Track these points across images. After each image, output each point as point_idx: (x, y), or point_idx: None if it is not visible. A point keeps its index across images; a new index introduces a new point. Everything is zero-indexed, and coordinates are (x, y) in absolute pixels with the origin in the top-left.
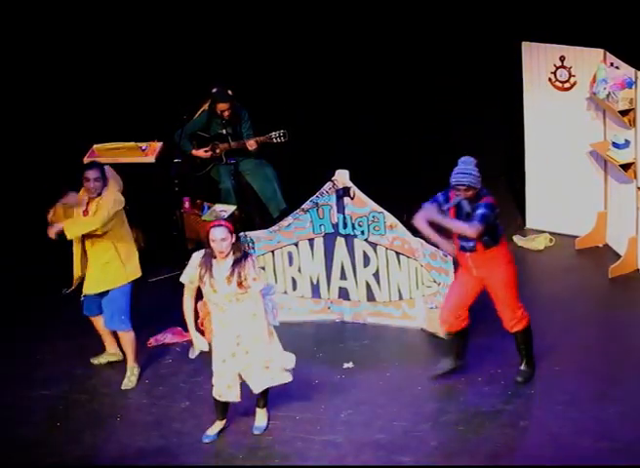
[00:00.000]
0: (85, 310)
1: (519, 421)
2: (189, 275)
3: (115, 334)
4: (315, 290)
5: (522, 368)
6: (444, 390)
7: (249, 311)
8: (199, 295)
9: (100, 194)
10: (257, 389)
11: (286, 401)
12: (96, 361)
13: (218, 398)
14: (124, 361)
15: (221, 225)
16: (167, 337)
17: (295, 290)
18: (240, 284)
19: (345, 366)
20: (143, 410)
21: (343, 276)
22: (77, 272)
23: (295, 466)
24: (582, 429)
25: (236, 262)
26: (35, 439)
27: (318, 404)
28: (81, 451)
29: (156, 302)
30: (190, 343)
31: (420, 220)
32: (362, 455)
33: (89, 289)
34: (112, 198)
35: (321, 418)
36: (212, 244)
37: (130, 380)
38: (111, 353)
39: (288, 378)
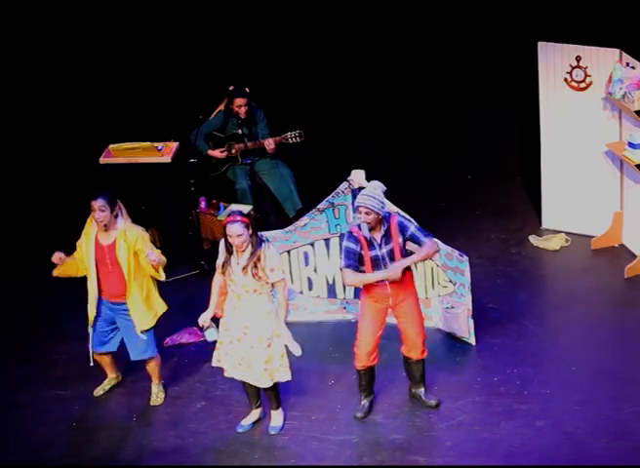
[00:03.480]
0: (100, 345)
1: (535, 421)
2: (219, 262)
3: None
4: (331, 289)
5: (425, 393)
6: (459, 390)
7: (264, 307)
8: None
9: (106, 225)
10: (258, 384)
11: (302, 401)
12: (101, 391)
13: (216, 364)
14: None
15: (237, 221)
16: (183, 337)
17: (311, 290)
18: (256, 275)
19: None
20: (159, 411)
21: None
22: (93, 312)
23: (311, 466)
24: (599, 429)
25: (253, 254)
26: (51, 439)
27: (334, 403)
28: (97, 452)
29: (172, 302)
30: (205, 342)
31: (357, 279)
32: (378, 455)
33: (145, 325)
34: (143, 237)
35: (337, 418)
36: (229, 239)
37: (159, 397)
38: (113, 377)
39: (287, 377)
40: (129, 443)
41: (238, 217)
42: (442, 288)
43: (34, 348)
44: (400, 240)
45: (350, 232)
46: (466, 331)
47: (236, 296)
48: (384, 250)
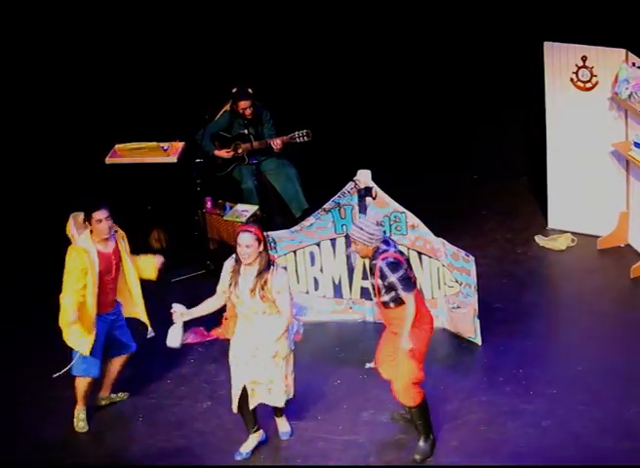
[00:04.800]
0: (94, 369)
1: (541, 421)
2: (221, 285)
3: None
4: (337, 290)
5: (420, 443)
6: (465, 390)
7: (274, 329)
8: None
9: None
10: (275, 403)
11: (308, 401)
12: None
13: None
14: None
15: (250, 231)
16: (189, 338)
17: (317, 290)
18: (264, 296)
19: (367, 366)
20: (165, 411)
21: (365, 276)
22: (93, 333)
23: (316, 466)
24: (605, 429)
25: (260, 274)
26: (57, 439)
27: (340, 404)
28: (103, 451)
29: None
30: (211, 342)
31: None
32: (384, 455)
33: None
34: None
35: (343, 418)
36: (237, 248)
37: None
38: (120, 395)
39: (281, 402)
40: (135, 442)
41: (252, 229)
42: (448, 288)
43: (39, 348)
44: (379, 282)
45: (399, 261)
46: (472, 330)
47: (246, 318)
48: (371, 281)
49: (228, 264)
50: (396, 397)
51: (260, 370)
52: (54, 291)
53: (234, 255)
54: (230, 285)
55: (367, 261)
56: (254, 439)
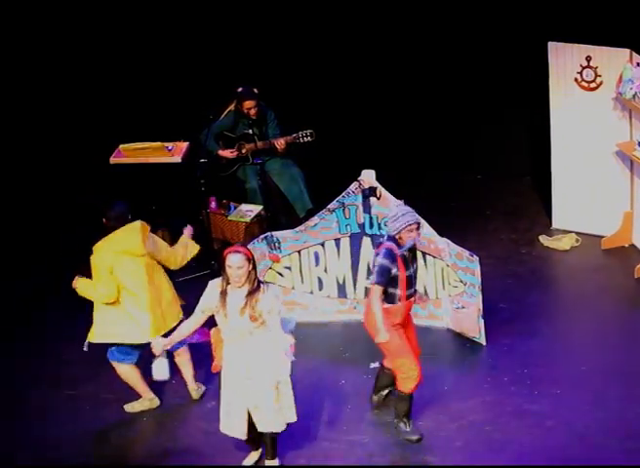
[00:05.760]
0: (129, 357)
1: (545, 421)
2: (203, 304)
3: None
4: (341, 289)
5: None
6: (470, 390)
7: (263, 346)
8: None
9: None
10: (264, 428)
11: (312, 401)
12: (130, 409)
13: (227, 433)
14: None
15: (239, 252)
16: (193, 338)
17: (321, 290)
18: (253, 317)
19: (372, 365)
20: (170, 410)
21: (370, 276)
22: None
23: (321, 466)
24: (609, 429)
25: (250, 294)
26: (63, 439)
27: (344, 404)
28: (108, 451)
29: (183, 302)
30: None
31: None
32: (388, 455)
33: (160, 331)
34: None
35: (347, 418)
36: (227, 270)
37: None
38: (150, 399)
39: (294, 417)
40: (139, 442)
41: (241, 249)
42: (452, 288)
43: (45, 348)
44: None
45: (390, 250)
46: (477, 330)
47: (232, 341)
48: (412, 269)
49: (215, 284)
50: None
51: (260, 395)
52: (54, 291)
53: (220, 278)
54: (217, 306)
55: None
56: (256, 455)
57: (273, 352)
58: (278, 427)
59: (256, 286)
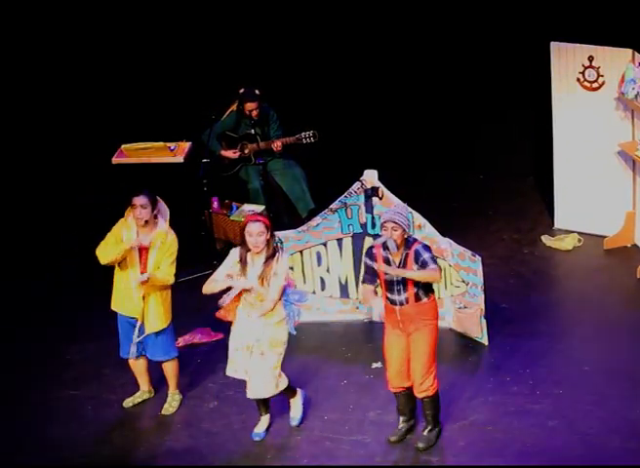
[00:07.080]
0: (128, 352)
1: (547, 421)
2: (224, 270)
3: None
4: (344, 289)
5: (425, 433)
6: (472, 390)
7: (275, 316)
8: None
9: (146, 222)
10: (253, 395)
11: (314, 401)
12: (130, 404)
13: (233, 374)
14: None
15: (259, 220)
16: (196, 337)
17: (323, 289)
18: (265, 280)
19: (374, 365)
20: None
21: None
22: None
23: (323, 466)
24: (611, 429)
25: (267, 260)
26: (64, 439)
27: (346, 404)
28: (110, 451)
29: (185, 302)
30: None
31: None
32: (390, 455)
33: (156, 327)
34: (176, 244)
35: (349, 418)
36: (248, 238)
37: (171, 406)
38: (145, 391)
39: (285, 382)
40: (142, 443)
41: (260, 217)
42: (455, 288)
43: (48, 348)
44: (415, 268)
45: (371, 247)
46: (479, 330)
47: (250, 305)
48: (397, 278)
49: (236, 253)
50: (417, 388)
51: (257, 356)
52: (54, 291)
53: (239, 248)
54: (238, 273)
55: (392, 257)
56: (266, 420)
57: (282, 318)
58: (269, 391)
59: (272, 253)
